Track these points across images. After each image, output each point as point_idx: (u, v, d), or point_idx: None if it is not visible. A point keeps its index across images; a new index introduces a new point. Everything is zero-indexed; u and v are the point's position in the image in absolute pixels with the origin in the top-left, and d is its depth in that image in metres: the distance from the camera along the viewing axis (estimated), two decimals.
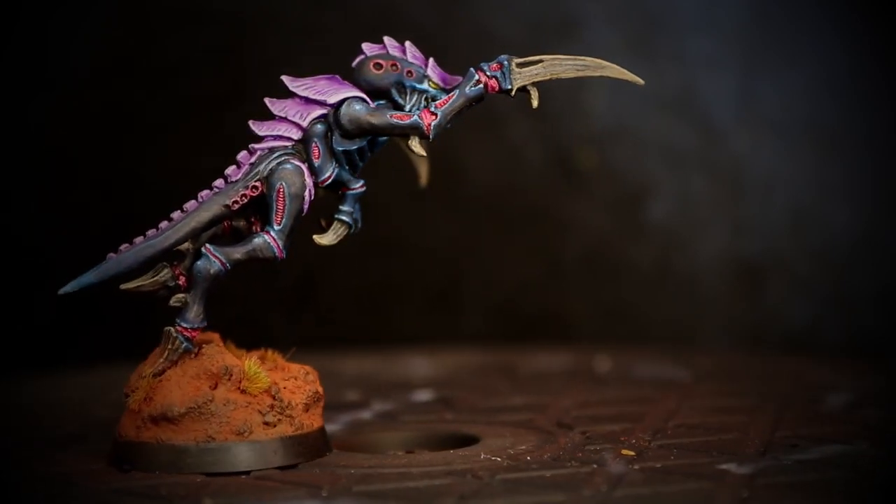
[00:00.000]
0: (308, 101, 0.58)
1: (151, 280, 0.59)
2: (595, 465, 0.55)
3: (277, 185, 0.57)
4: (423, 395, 0.77)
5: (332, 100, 0.57)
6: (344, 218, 0.59)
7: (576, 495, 0.51)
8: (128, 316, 1.15)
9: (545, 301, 1.20)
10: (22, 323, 1.13)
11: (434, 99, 0.57)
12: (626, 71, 0.59)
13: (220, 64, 1.13)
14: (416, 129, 0.57)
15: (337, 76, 0.58)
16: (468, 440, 0.62)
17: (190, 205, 0.58)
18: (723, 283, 1.15)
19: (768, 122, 1.15)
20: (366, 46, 0.58)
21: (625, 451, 0.58)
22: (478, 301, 1.15)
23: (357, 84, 0.58)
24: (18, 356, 1.09)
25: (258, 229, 0.58)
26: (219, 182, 0.57)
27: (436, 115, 0.57)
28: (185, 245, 0.58)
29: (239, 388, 0.57)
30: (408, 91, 0.57)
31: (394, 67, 0.57)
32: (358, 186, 0.58)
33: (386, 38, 0.58)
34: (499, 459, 0.57)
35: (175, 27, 1.14)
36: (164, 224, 0.58)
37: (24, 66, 1.12)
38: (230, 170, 0.58)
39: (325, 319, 1.16)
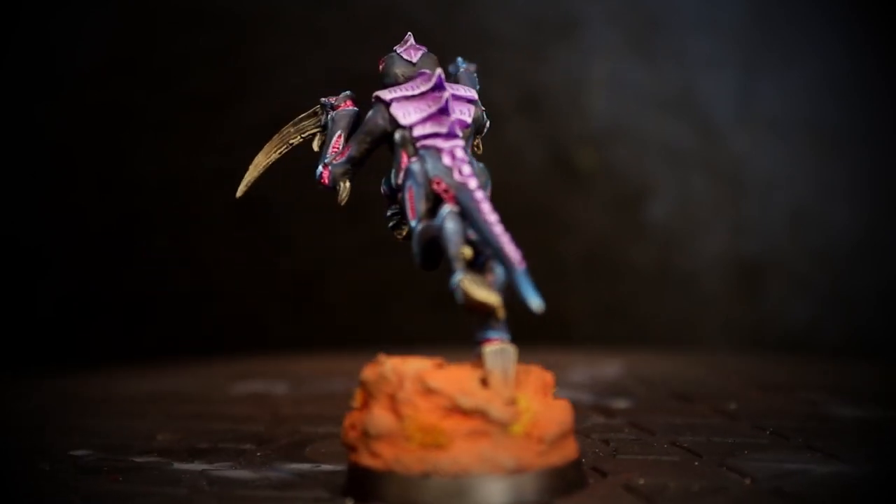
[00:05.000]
0: (456, 97, 0.55)
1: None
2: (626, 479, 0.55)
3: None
4: None
5: (475, 97, 0.55)
6: None
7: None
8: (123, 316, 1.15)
9: (545, 301, 1.20)
10: (23, 321, 1.13)
11: None
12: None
13: (220, 64, 1.13)
14: None
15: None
16: None
17: (490, 208, 0.51)
18: (723, 283, 1.15)
19: (768, 122, 1.15)
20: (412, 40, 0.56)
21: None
22: None
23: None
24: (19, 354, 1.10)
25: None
26: (474, 183, 0.52)
27: None
28: (469, 252, 0.52)
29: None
30: None
31: None
32: None
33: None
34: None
35: (175, 27, 1.14)
36: (499, 229, 0.51)
37: (25, 66, 1.12)
38: (469, 169, 0.52)
39: (325, 319, 1.16)
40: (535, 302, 0.49)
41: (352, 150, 0.55)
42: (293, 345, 1.05)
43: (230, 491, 0.54)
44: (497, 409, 0.49)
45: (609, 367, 0.87)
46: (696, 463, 0.57)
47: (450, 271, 0.51)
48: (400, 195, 0.54)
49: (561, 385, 0.58)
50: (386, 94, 0.54)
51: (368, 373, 0.51)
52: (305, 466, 0.58)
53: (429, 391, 0.50)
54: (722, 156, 1.16)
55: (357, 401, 0.52)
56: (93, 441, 0.64)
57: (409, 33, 0.56)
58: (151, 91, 1.14)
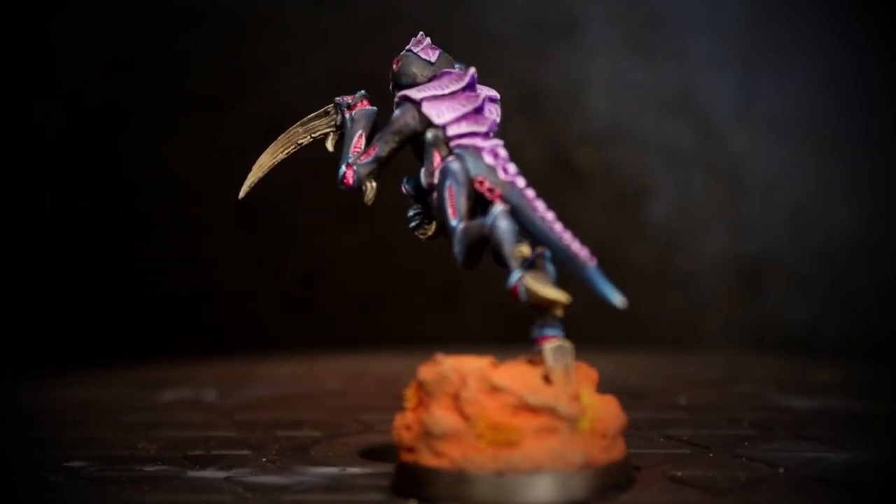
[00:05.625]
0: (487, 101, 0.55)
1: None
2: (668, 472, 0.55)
3: None
4: None
5: (498, 96, 0.56)
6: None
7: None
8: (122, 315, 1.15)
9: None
10: (23, 321, 1.13)
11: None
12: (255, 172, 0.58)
13: (220, 64, 1.13)
14: None
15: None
16: None
17: (545, 206, 0.53)
18: (723, 283, 1.15)
19: (768, 122, 1.15)
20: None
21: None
22: (478, 301, 1.15)
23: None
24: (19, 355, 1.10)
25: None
26: (522, 181, 0.53)
27: None
28: (527, 250, 0.52)
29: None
30: None
31: None
32: None
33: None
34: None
35: (175, 27, 1.14)
36: (559, 227, 0.52)
37: (25, 66, 1.12)
38: (514, 168, 0.54)
39: (325, 319, 1.16)
40: (617, 298, 0.49)
41: (378, 150, 0.54)
42: (293, 345, 1.05)
43: (276, 496, 0.52)
44: (565, 406, 0.49)
45: None
46: (711, 455, 0.57)
47: (458, 271, 0.51)
48: (435, 195, 0.53)
49: None
50: (415, 94, 0.53)
51: (426, 372, 0.51)
52: (331, 470, 0.57)
53: (494, 389, 0.49)
54: (722, 156, 1.16)
55: (411, 401, 0.52)
56: (76, 452, 0.61)
57: (422, 33, 0.56)
58: (151, 91, 1.14)
